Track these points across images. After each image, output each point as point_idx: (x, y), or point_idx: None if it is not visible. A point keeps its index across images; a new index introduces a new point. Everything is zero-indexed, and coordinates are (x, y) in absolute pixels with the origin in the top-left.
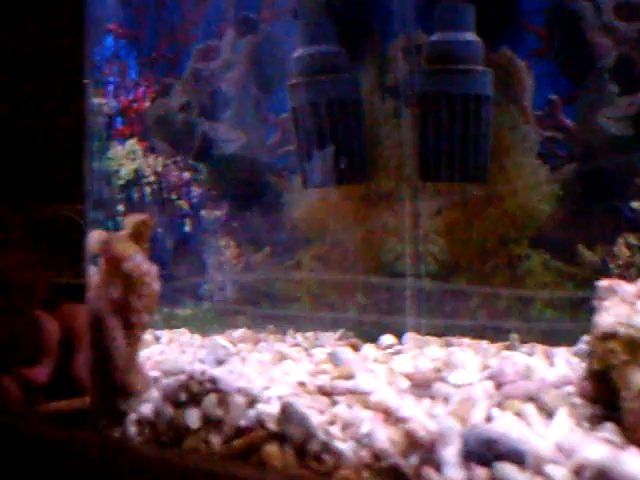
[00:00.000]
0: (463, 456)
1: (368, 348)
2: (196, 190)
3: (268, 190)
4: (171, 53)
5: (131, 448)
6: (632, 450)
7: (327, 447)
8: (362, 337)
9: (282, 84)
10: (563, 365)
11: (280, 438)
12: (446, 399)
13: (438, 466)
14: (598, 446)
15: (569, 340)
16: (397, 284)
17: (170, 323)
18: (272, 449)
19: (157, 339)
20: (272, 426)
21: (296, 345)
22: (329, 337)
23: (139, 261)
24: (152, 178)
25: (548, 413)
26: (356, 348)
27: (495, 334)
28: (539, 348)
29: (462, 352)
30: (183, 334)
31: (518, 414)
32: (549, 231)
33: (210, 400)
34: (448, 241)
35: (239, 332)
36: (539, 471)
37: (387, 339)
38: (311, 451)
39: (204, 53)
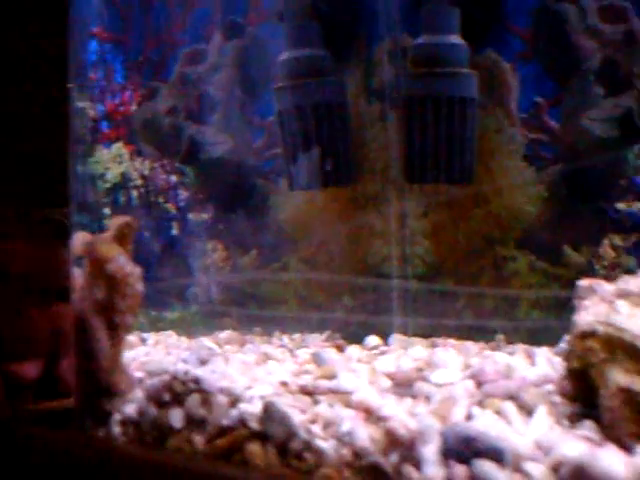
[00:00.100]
0: (442, 454)
1: (353, 349)
2: (183, 193)
3: (255, 193)
4: (157, 57)
5: (115, 448)
6: (609, 447)
7: (308, 446)
8: (349, 339)
9: (268, 87)
10: (544, 364)
11: (262, 437)
12: (428, 398)
13: (418, 464)
14: (576, 443)
15: (555, 340)
16: (384, 286)
17: (157, 326)
18: (254, 448)
19: (143, 341)
20: (254, 425)
21: (282, 346)
22: (315, 339)
23: (123, 262)
24: (139, 181)
25: (528, 411)
26: (341, 349)
27: (481, 335)
28: (521, 347)
29: (444, 352)
30: (170, 336)
31: (498, 412)
32: (535, 232)
33: (193, 400)
34: (434, 243)
35: (225, 334)
36: (518, 468)
37: (372, 340)
38: (293, 450)
39: (191, 57)
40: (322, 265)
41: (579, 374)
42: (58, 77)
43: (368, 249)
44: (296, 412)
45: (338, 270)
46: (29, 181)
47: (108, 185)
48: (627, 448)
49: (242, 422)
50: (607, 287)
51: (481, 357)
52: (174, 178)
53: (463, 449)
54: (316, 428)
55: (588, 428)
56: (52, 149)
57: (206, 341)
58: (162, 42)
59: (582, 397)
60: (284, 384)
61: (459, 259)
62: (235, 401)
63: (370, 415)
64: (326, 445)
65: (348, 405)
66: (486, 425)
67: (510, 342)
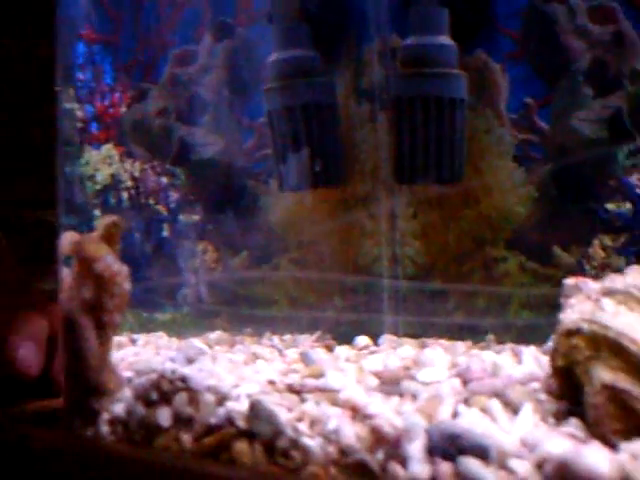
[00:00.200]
0: (428, 451)
1: (342, 349)
2: (174, 195)
3: (246, 194)
4: (147, 58)
5: (103, 447)
6: (594, 444)
7: (295, 444)
8: (340, 339)
9: (259, 88)
10: (531, 362)
11: (249, 435)
12: (414, 396)
13: (404, 461)
14: (561, 440)
15: (545, 339)
16: (375, 286)
17: (148, 327)
18: (242, 446)
19: (133, 342)
20: (241, 424)
21: (271, 346)
22: (306, 339)
23: (110, 262)
24: (129, 183)
25: (514, 409)
26: (330, 349)
27: (472, 335)
28: (508, 346)
29: (432, 350)
30: (161, 337)
31: (484, 410)
32: (525, 233)
33: (181, 398)
34: (424, 243)
35: (215, 334)
36: (503, 465)
37: (362, 340)
38: (280, 448)
39: (181, 58)
40: (313, 266)
41: (564, 372)
42: (45, 79)
43: (358, 250)
44: (283, 410)
45: (329, 271)
46: (16, 183)
47: (98, 187)
48: (611, 445)
49: (229, 420)
50: (593, 285)
51: (468, 356)
52: (165, 180)
53: (448, 446)
54: (303, 426)
55: (573, 425)
56: (40, 151)
57: (196, 342)
58: (152, 43)
59: (568, 395)
60: (271, 383)
61: (449, 260)
62: (222, 399)
63: (357, 413)
64: (313, 443)
65: (335, 403)
66: (471, 422)
67: (500, 342)
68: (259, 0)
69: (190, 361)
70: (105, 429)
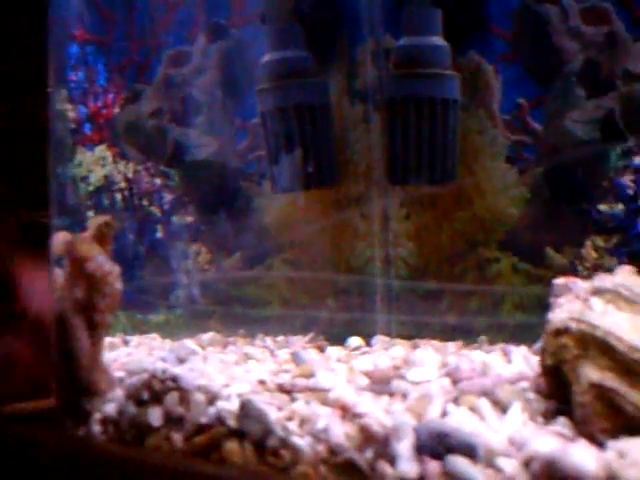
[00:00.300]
0: (416, 450)
1: (333, 349)
2: (167, 196)
3: (239, 195)
4: (141, 59)
5: (95, 447)
6: (581, 442)
7: (285, 443)
8: (333, 340)
9: (252, 89)
10: (520, 362)
11: (240, 435)
12: (404, 396)
13: (392, 460)
14: (549, 439)
15: (536, 340)
16: (368, 287)
17: (142, 329)
18: (232, 446)
19: (126, 343)
20: (232, 423)
21: (264, 347)
22: (299, 340)
23: (102, 261)
24: (123, 184)
25: (502, 408)
26: (321, 349)
27: (465, 336)
28: (498, 346)
29: (422, 350)
30: (154, 339)
31: (473, 409)
32: (518, 234)
33: (172, 398)
34: (417, 245)
35: (208, 335)
36: (490, 464)
37: (355, 341)
38: (269, 447)
39: (175, 59)
40: (306, 267)
41: (553, 371)
42: (38, 80)
43: (352, 251)
44: (273, 409)
45: (322, 272)
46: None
47: (91, 188)
48: (599, 443)
49: (220, 420)
50: (582, 285)
51: (458, 356)
52: (158, 181)
53: (436, 445)
54: (292, 425)
55: (561, 424)
56: (32, 152)
57: (189, 343)
58: (145, 44)
59: (556, 394)
60: (262, 382)
61: (442, 261)
62: (213, 399)
63: (346, 412)
64: (302, 442)
65: (325, 403)
66: (460, 421)
67: (493, 342)
68: (252, 1)
69: (181, 361)
70: (97, 429)
